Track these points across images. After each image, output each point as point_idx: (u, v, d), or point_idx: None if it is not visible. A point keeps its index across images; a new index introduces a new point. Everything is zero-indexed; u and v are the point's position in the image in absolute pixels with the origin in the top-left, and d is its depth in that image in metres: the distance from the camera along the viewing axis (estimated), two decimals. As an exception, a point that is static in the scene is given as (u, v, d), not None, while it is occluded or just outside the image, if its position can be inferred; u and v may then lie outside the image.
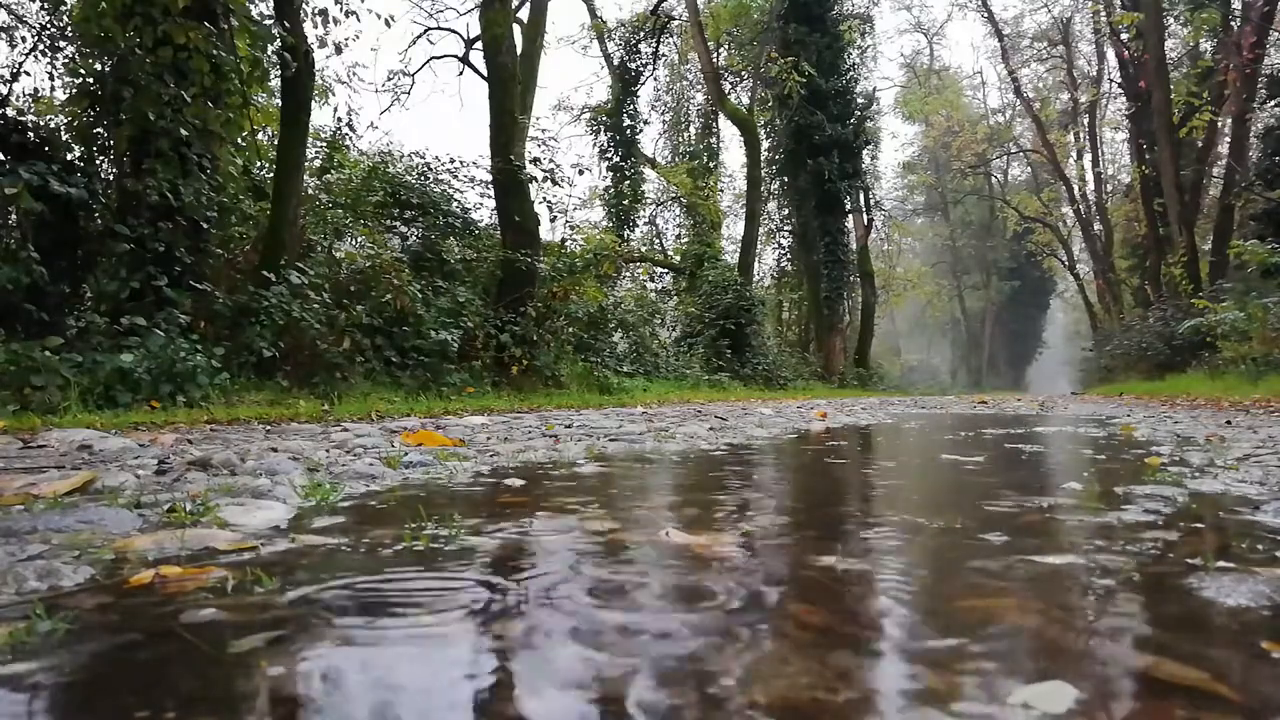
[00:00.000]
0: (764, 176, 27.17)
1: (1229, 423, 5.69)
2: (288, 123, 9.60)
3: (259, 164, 10.85)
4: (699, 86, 30.05)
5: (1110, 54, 31.70)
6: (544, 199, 14.53)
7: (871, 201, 31.42)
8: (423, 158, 14.56)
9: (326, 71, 16.96)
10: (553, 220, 20.09)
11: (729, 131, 30.51)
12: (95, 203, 7.48)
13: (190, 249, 7.82)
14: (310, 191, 11.67)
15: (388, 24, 11.26)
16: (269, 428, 5.19)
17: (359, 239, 11.84)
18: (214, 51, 7.91)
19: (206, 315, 7.98)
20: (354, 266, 10.35)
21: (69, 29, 8.39)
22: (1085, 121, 35.58)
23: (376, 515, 1.89)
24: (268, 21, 9.14)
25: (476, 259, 13.28)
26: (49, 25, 8.62)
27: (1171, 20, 24.39)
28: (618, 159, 27.46)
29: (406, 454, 3.10)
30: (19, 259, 6.65)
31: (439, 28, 22.41)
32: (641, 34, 28.03)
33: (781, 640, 0.98)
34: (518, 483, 2.48)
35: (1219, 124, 22.53)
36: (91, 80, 7.80)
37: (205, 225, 8.08)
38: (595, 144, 27.64)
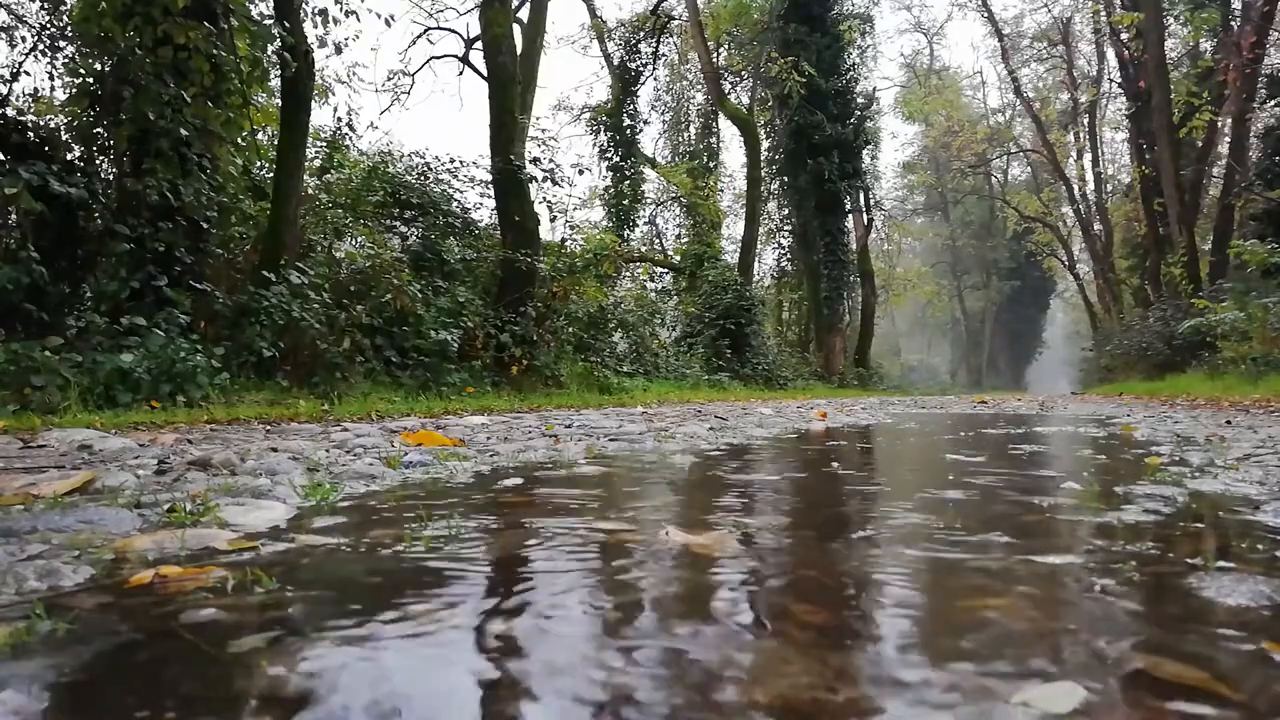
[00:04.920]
0: (764, 176, 27.16)
1: (1229, 423, 5.69)
2: (288, 123, 9.61)
3: (259, 164, 10.85)
4: (699, 86, 30.07)
5: (1110, 54, 31.71)
6: (544, 199, 14.55)
7: (871, 201, 31.46)
8: (423, 158, 14.57)
9: (326, 71, 16.98)
10: (553, 220, 20.10)
11: (729, 131, 30.58)
12: (95, 203, 7.48)
13: (190, 249, 7.81)
14: (310, 191, 11.66)
15: (388, 24, 11.27)
16: (269, 428, 5.19)
17: (359, 239, 11.84)
18: (214, 51, 7.90)
19: (206, 315, 7.98)
20: (354, 266, 10.35)
21: (69, 29, 8.39)
22: (1085, 121, 35.57)
23: (377, 515, 1.89)
24: (268, 21, 9.13)
25: (476, 259, 13.28)
26: (49, 25, 8.62)
27: (1171, 20, 24.38)
28: (618, 159, 27.46)
29: (406, 454, 3.10)
30: (19, 259, 6.65)
31: (439, 28, 22.47)
32: (641, 34, 28.03)
33: (781, 639, 0.98)
34: (518, 482, 2.47)
35: (1219, 124, 22.52)
36: (91, 80, 7.80)
37: (205, 225, 8.08)
38: (595, 144, 27.68)
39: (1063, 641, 0.96)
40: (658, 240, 30.64)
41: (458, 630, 1.01)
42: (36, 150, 7.33)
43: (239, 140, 9.71)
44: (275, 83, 10.41)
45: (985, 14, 35.78)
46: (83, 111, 7.86)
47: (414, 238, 13.44)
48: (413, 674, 0.86)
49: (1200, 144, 22.96)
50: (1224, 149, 23.81)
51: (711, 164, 29.59)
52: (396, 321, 9.99)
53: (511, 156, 12.52)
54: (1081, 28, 33.90)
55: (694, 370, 19.01)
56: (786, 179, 27.94)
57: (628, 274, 24.20)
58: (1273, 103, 19.48)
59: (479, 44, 17.06)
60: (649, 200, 29.57)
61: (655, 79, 30.50)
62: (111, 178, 7.97)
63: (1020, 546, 1.50)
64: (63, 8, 8.52)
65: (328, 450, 3.35)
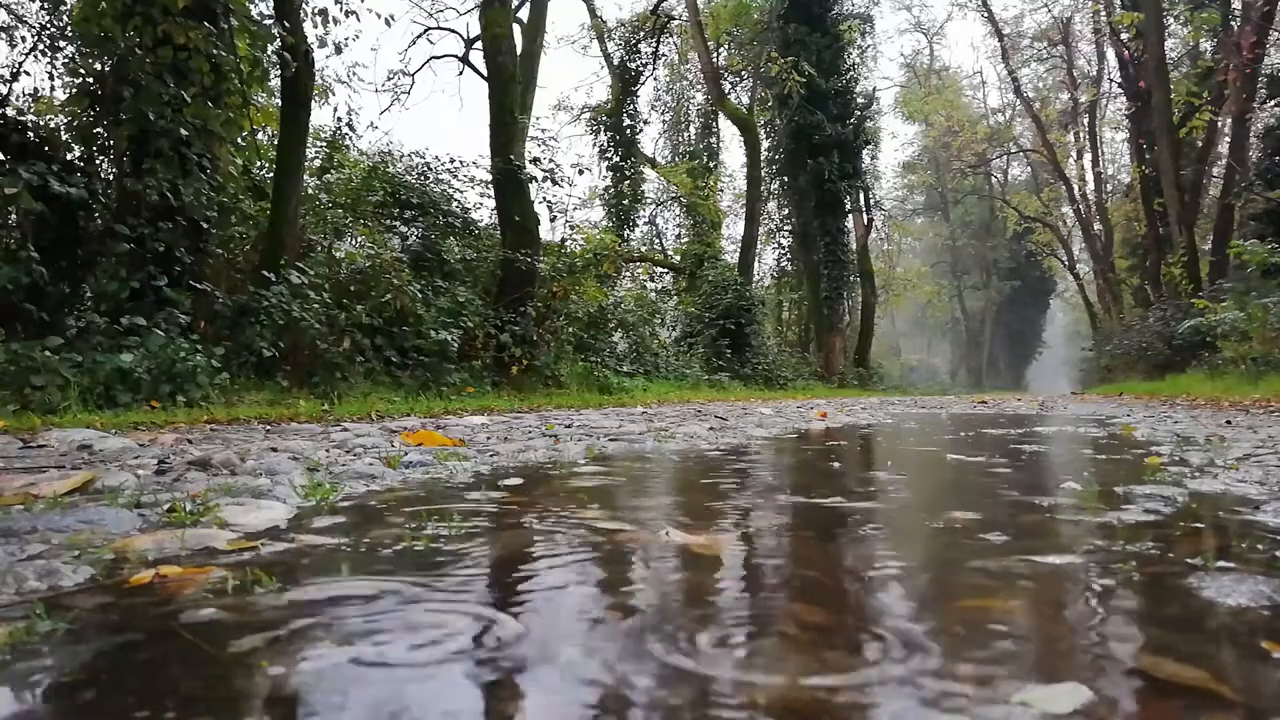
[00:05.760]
0: (764, 176, 27.15)
1: (1229, 423, 5.69)
2: (288, 123, 9.60)
3: (259, 164, 10.85)
4: (699, 86, 30.06)
5: (1110, 54, 31.69)
6: (544, 199, 14.54)
7: (871, 201, 31.40)
8: (423, 158, 14.57)
9: (326, 71, 16.96)
10: (553, 220, 20.09)
11: (729, 131, 30.55)
12: (95, 203, 7.48)
13: (190, 249, 7.81)
14: (310, 191, 11.66)
15: (388, 24, 11.28)
16: (269, 428, 5.19)
17: (359, 239, 11.84)
18: (214, 51, 7.90)
19: (206, 315, 7.98)
20: (354, 266, 10.35)
21: (69, 29, 8.39)
22: (1085, 121, 35.55)
23: (376, 515, 1.89)
24: (268, 21, 9.13)
25: (476, 259, 13.28)
26: (49, 25, 8.62)
27: (1171, 20, 24.37)
28: (618, 159, 27.46)
29: (406, 454, 3.10)
30: (19, 259, 6.65)
31: (439, 28, 22.47)
32: (641, 34, 28.03)
33: (781, 639, 0.98)
34: (518, 483, 2.48)
35: (1219, 124, 22.51)
36: (91, 80, 7.80)
37: (205, 225, 8.08)
38: (595, 144, 27.67)
39: (1063, 641, 0.96)
40: (658, 240, 30.64)
41: (458, 630, 1.01)
42: (36, 150, 7.33)
43: (239, 140, 9.71)
44: (275, 83, 10.41)
45: (985, 14, 35.76)
46: (83, 111, 7.86)
47: (414, 238, 13.43)
48: (413, 674, 0.86)
49: (1200, 144, 22.94)
50: (1224, 149, 23.78)
51: (711, 164, 29.57)
52: (396, 321, 9.99)
53: (511, 156, 12.52)
54: (1081, 28, 33.88)
55: (694, 370, 19.00)
56: (786, 179, 27.92)
57: (628, 274, 24.20)
58: (1273, 103, 19.48)
59: (479, 44, 17.06)
60: (649, 200, 29.58)
61: (655, 79, 30.55)
62: (111, 178, 7.97)
63: (1020, 546, 1.50)
64: (63, 8, 8.52)
65: (328, 450, 3.35)
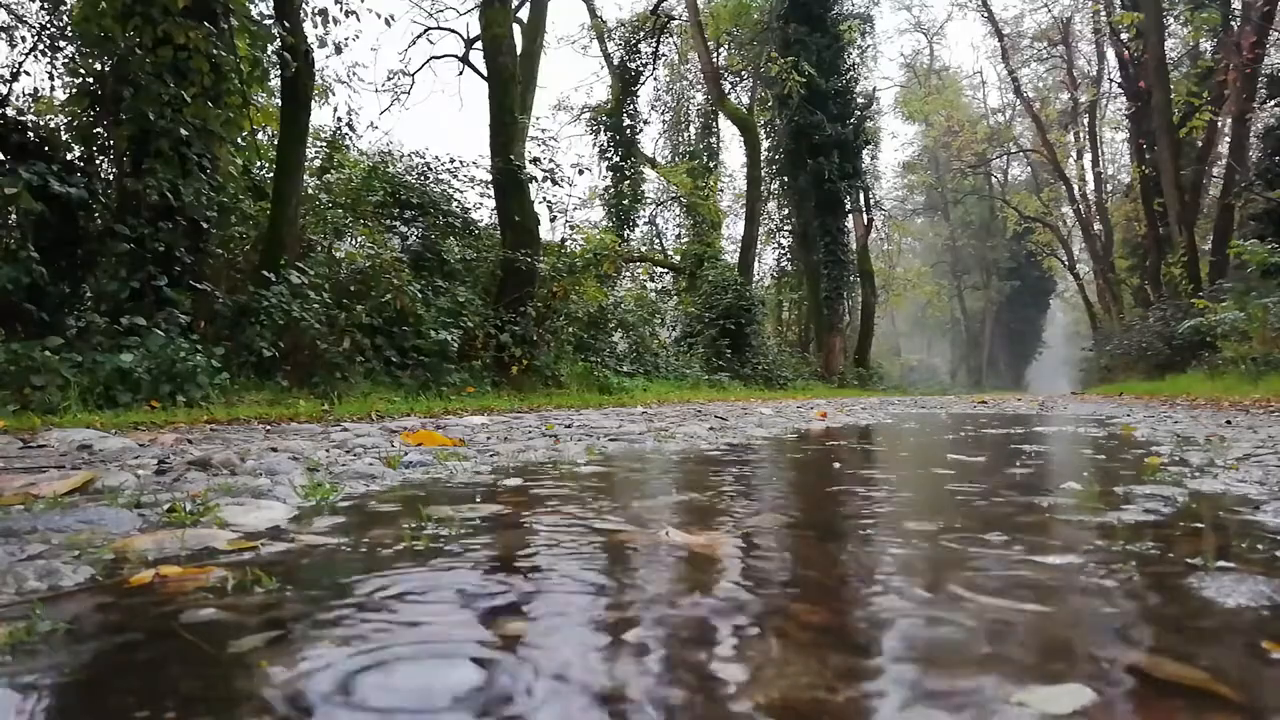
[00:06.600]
0: (764, 176, 27.16)
1: (1229, 423, 5.69)
2: (288, 123, 9.61)
3: (259, 164, 10.85)
4: (699, 86, 30.08)
5: (1110, 54, 31.70)
6: (544, 199, 14.55)
7: (871, 201, 31.41)
8: (423, 158, 14.58)
9: (326, 71, 16.97)
10: (553, 220, 20.11)
11: (729, 131, 30.58)
12: (95, 203, 7.48)
13: (190, 249, 7.81)
14: (310, 191, 11.67)
15: (388, 24, 11.29)
16: (269, 428, 5.19)
17: (359, 239, 11.84)
18: (214, 51, 7.90)
19: (206, 315, 7.98)
20: (354, 266, 10.35)
21: (69, 29, 8.40)
22: (1085, 121, 35.56)
23: (377, 515, 1.89)
24: (268, 21, 9.14)
25: (476, 259, 13.29)
26: (49, 25, 8.63)
27: (1171, 20, 24.38)
28: (618, 159, 27.46)
29: (406, 454, 3.10)
30: (19, 259, 6.65)
31: (439, 28, 22.49)
32: (641, 34, 28.04)
33: (781, 640, 0.98)
34: (518, 483, 2.47)
35: (1219, 124, 22.51)
36: (91, 80, 7.81)
37: (205, 225, 8.08)
38: (595, 144, 27.69)
39: (1062, 641, 0.96)
40: (658, 240, 30.66)
41: (458, 631, 1.01)
42: (36, 150, 7.34)
43: (239, 140, 9.71)
44: (275, 83, 10.42)
45: (985, 14, 35.76)
46: (83, 111, 7.86)
47: (414, 238, 13.44)
48: (412, 675, 0.86)
49: (1200, 144, 22.94)
50: (1224, 149, 23.78)
51: (711, 164, 29.58)
52: (396, 321, 9.99)
53: (511, 156, 12.52)
54: (1081, 28, 33.89)
55: (694, 370, 19.01)
56: (786, 179, 27.93)
57: (628, 274, 24.21)
58: (1273, 103, 19.48)
59: (479, 44, 17.07)
60: (649, 200, 29.59)
61: (655, 79, 30.58)
62: (111, 178, 7.98)
63: (1020, 546, 1.50)
64: (63, 8, 8.52)
65: (328, 450, 3.35)
